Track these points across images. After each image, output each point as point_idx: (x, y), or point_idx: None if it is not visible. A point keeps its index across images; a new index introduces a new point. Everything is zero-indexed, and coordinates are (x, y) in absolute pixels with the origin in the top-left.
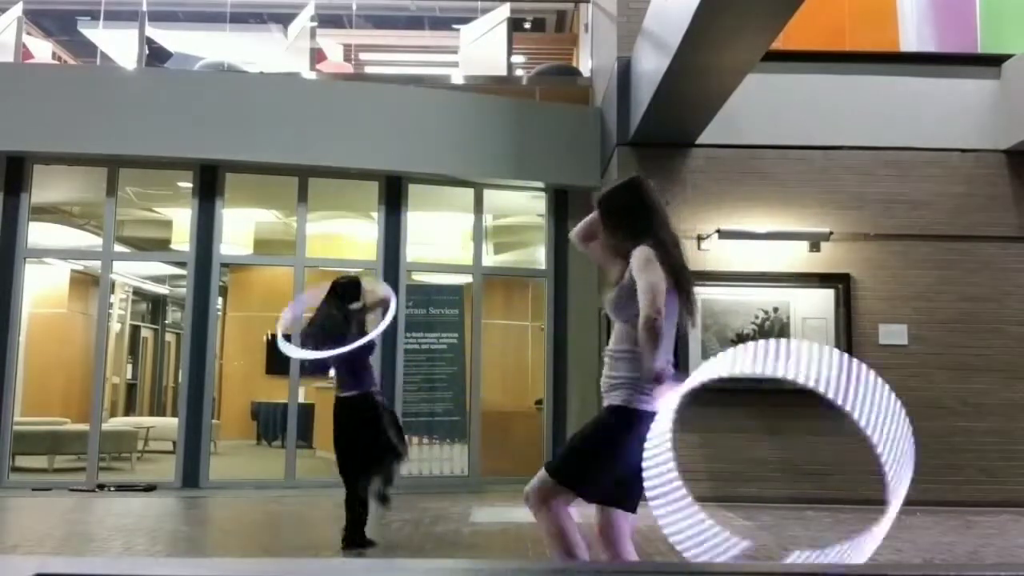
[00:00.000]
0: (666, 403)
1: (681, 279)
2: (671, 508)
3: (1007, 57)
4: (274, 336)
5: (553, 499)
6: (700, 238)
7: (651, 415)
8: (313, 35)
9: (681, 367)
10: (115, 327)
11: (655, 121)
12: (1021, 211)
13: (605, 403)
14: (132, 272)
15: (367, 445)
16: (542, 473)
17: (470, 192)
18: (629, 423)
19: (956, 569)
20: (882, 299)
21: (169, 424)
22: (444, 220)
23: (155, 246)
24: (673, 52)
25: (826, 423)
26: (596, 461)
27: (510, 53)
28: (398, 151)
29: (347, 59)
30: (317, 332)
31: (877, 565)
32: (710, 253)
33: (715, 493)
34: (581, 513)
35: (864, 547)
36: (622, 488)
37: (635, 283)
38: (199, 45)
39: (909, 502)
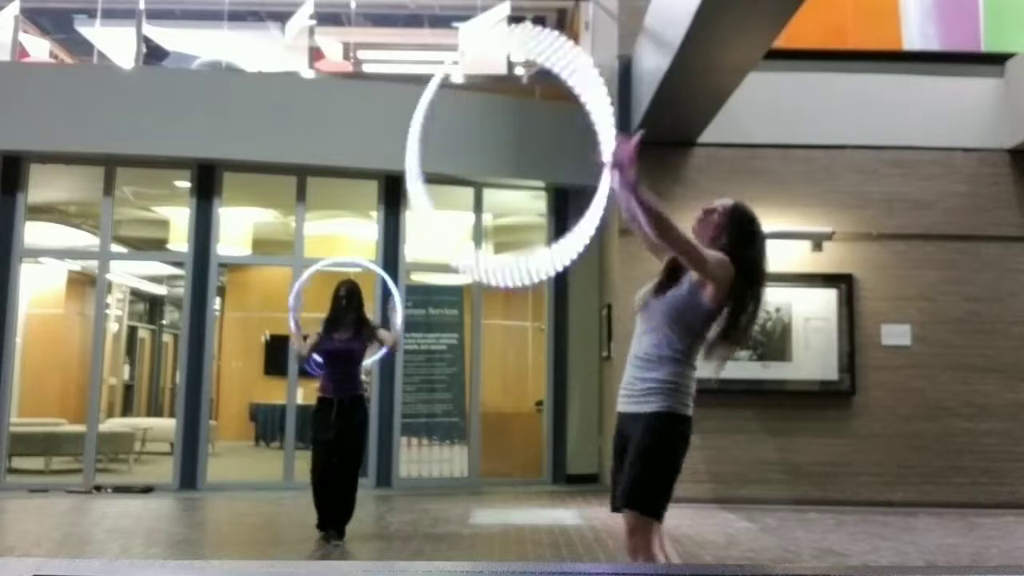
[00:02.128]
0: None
1: (744, 316)
2: None
3: (1011, 56)
4: (273, 337)
5: (656, 536)
6: None
7: (690, 420)
8: (311, 33)
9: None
10: (112, 327)
11: (656, 120)
12: None
13: (637, 410)
14: (129, 272)
15: None
16: (636, 519)
17: (470, 191)
18: (676, 428)
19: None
20: (885, 299)
21: (166, 425)
22: (444, 220)
23: (152, 246)
24: (674, 51)
25: (828, 424)
26: (672, 476)
27: (510, 51)
28: (397, 150)
29: (346, 57)
30: None
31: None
32: None
33: (717, 495)
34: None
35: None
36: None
37: (692, 292)
38: (197, 43)
39: (912, 504)
